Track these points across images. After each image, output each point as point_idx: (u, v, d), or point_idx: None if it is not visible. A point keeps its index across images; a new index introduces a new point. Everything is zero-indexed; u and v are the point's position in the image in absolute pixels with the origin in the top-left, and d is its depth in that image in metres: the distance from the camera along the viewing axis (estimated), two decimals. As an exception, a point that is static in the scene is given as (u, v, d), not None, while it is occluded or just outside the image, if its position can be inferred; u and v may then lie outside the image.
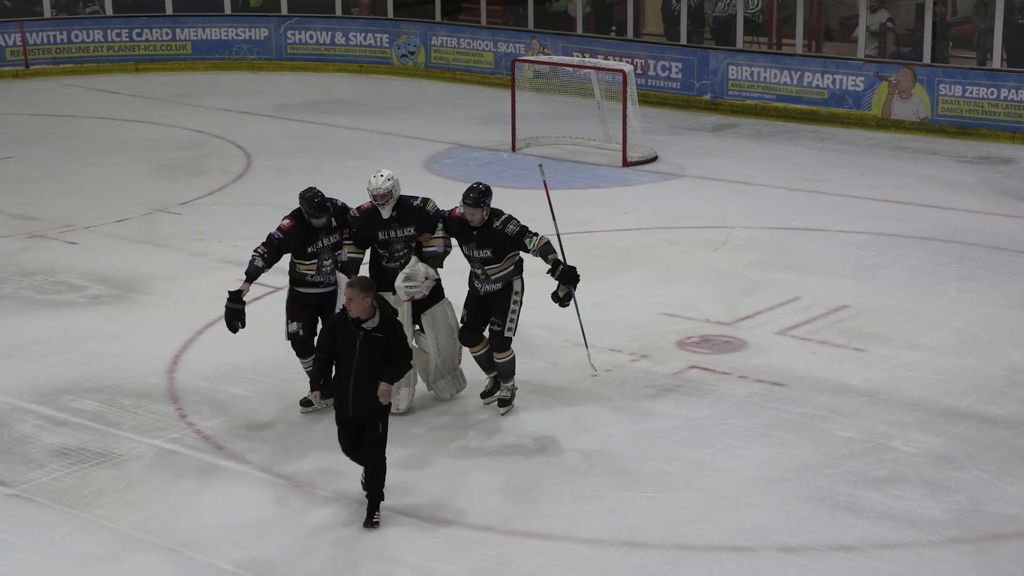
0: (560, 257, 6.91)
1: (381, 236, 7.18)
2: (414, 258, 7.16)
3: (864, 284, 10.93)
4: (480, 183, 6.88)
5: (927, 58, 16.16)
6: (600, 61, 16.51)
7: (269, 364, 9.47)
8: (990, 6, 16.12)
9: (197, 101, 18.67)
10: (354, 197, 12.69)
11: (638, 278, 11.18)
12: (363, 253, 7.38)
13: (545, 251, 6.70)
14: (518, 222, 6.83)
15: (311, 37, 20.47)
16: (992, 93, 15.58)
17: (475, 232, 6.67)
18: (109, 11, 20.52)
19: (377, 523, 6.03)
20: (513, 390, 7.59)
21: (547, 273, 7.01)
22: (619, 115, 14.85)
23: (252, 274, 7.13)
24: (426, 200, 7.17)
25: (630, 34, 18.43)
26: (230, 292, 7.22)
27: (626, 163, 14.59)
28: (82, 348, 9.61)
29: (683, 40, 17.78)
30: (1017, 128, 15.49)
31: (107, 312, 10.52)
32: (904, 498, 6.98)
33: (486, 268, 7.01)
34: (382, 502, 6.15)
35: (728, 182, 14.28)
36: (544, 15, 19.65)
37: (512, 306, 7.21)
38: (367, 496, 6.09)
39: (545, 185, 7.56)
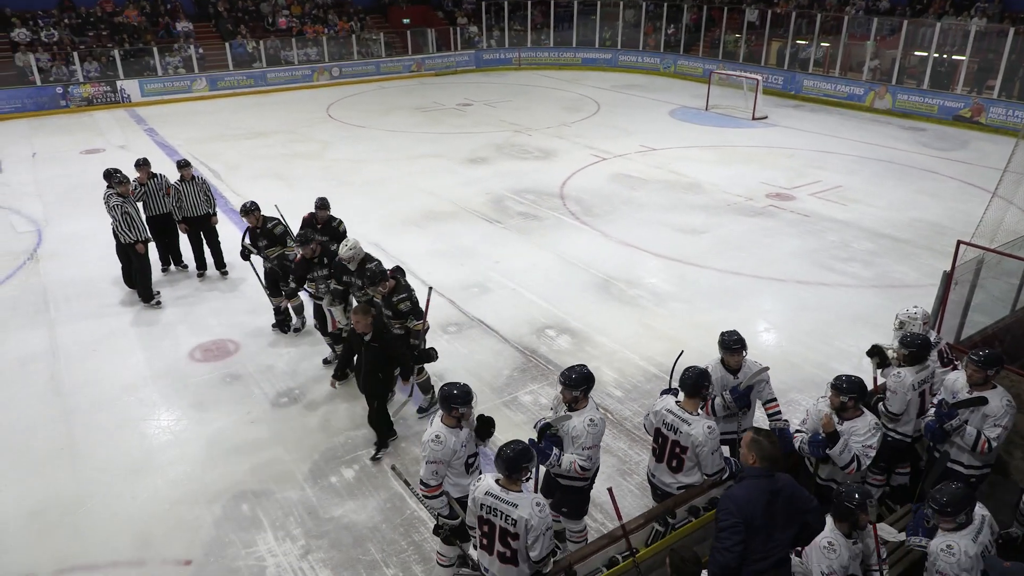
0: (422, 342, 6.30)
1: (344, 279, 6.79)
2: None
3: (849, 177, 13.71)
4: (379, 269, 6.28)
5: (894, 80, 19.55)
6: (746, 73, 20.51)
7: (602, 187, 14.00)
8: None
9: (581, 83, 24.27)
10: (631, 129, 16.53)
11: (752, 168, 14.33)
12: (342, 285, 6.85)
13: (417, 333, 6.25)
14: (409, 304, 6.21)
15: (632, 60, 26.06)
16: (923, 98, 18.72)
17: (383, 296, 6.16)
18: (551, 43, 26.99)
19: (379, 459, 6.02)
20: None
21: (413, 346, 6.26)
22: (752, 97, 18.94)
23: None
24: (376, 265, 6.50)
25: (762, 62, 22.66)
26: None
27: (753, 118, 18.40)
28: (527, 176, 13.86)
29: (785, 66, 22.04)
30: (928, 115, 18.41)
31: (540, 164, 14.67)
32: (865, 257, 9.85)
33: (390, 320, 6.34)
34: (384, 448, 6.14)
35: (797, 129, 17.46)
36: (726, 52, 23.58)
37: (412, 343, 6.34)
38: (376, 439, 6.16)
39: (428, 300, 6.39)
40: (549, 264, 9.91)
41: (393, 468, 4.54)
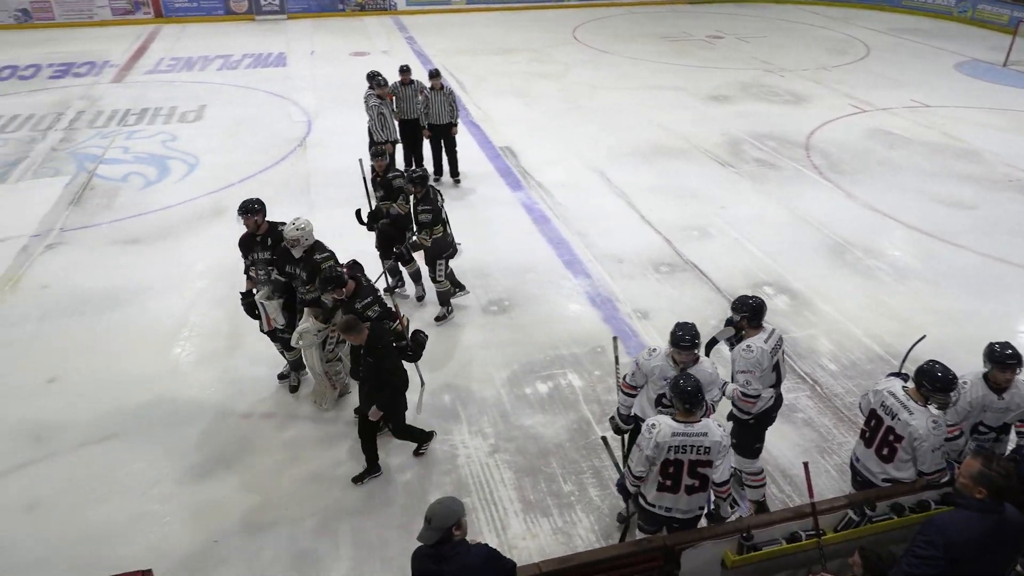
0: (408, 340, 5.41)
1: (288, 269, 5.76)
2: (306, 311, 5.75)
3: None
4: (334, 272, 5.27)
5: None
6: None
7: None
8: None
9: (851, 22, 21.67)
10: (902, 80, 15.21)
11: (980, 121, 13.02)
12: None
13: (399, 335, 5.41)
14: (378, 308, 5.33)
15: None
16: None
17: (344, 303, 5.32)
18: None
19: (364, 482, 5.18)
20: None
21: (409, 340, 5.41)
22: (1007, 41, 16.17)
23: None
24: (325, 259, 5.64)
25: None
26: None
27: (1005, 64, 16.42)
28: (771, 120, 12.94)
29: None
30: None
31: (788, 108, 13.62)
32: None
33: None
34: (374, 473, 5.26)
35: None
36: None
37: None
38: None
39: (407, 325, 5.60)
40: (779, 218, 9.47)
41: (614, 339, 5.02)
